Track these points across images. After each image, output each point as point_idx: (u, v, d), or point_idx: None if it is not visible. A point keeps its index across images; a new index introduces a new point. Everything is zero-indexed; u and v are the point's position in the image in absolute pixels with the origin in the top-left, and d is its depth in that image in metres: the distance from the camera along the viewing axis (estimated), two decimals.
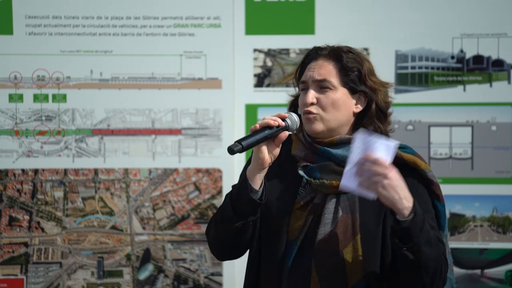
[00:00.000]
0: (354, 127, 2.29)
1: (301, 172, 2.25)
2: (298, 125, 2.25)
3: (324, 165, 2.23)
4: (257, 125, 2.15)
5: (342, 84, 2.25)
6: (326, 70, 2.25)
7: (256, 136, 2.14)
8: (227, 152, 2.12)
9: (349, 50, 2.29)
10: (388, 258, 2.16)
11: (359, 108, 2.28)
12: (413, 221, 2.02)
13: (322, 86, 2.24)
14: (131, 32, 3.68)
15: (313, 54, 2.30)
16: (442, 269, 2.13)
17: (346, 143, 2.25)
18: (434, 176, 2.27)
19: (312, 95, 2.23)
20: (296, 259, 2.20)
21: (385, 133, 2.31)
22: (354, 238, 2.16)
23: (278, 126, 2.16)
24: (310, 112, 2.23)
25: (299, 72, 2.34)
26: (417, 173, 2.25)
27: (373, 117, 2.28)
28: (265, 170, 2.19)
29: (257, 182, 2.18)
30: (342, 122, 2.26)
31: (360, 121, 2.28)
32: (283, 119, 2.18)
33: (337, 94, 2.24)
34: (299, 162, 2.27)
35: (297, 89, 2.37)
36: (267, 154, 2.16)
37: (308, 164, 2.25)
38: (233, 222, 2.20)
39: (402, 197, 2.02)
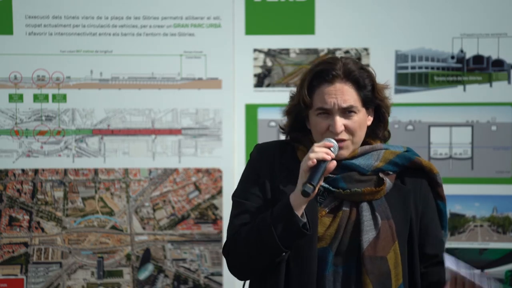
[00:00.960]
0: (366, 137, 2.33)
1: (324, 184, 2.25)
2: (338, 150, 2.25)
3: (349, 176, 2.26)
4: (314, 160, 2.14)
5: (363, 105, 2.28)
6: (349, 95, 2.25)
7: (319, 172, 2.14)
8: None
9: (360, 67, 2.28)
10: (415, 261, 2.28)
11: (371, 120, 2.33)
12: None
13: (348, 111, 2.25)
14: (131, 32, 3.68)
15: (324, 76, 2.26)
16: None
17: (366, 153, 2.31)
18: (441, 179, 2.37)
19: (340, 124, 2.24)
20: (336, 266, 2.21)
21: (389, 135, 2.39)
22: (394, 243, 2.22)
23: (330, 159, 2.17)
24: (341, 140, 2.25)
25: (308, 91, 2.29)
26: (428, 176, 2.34)
27: (387, 126, 2.35)
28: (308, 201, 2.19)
29: (301, 212, 2.18)
30: (362, 139, 2.31)
31: (372, 131, 2.33)
32: (330, 148, 2.20)
33: (360, 115, 2.27)
34: None
35: (298, 100, 2.35)
36: (319, 185, 2.18)
37: (329, 175, 2.25)
38: (279, 253, 2.19)
39: None
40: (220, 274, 3.70)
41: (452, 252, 3.91)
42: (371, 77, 2.29)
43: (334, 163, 2.18)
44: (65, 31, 3.66)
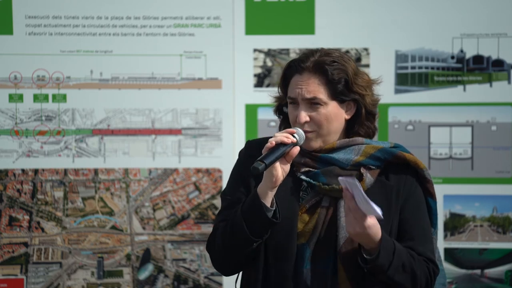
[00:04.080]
0: (346, 132, 2.31)
1: (304, 178, 2.26)
2: (304, 139, 2.25)
3: (329, 170, 2.25)
4: (273, 142, 2.15)
5: (331, 97, 2.25)
6: (314, 86, 2.24)
7: (275, 154, 2.15)
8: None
9: (333, 60, 2.26)
10: None
11: (350, 115, 2.30)
12: (379, 259, 2.12)
13: (313, 103, 2.24)
14: (131, 32, 3.68)
15: (295, 67, 2.28)
16: (426, 280, 2.22)
17: (345, 146, 2.28)
18: (429, 175, 2.32)
19: (304, 115, 2.24)
20: (313, 262, 2.21)
21: (374, 131, 2.34)
22: None
23: (291, 143, 2.17)
24: (306, 131, 2.24)
25: (283, 83, 2.32)
26: (415, 171, 2.30)
27: (364, 121, 2.30)
28: (276, 187, 2.19)
29: (269, 200, 2.19)
30: (336, 132, 2.28)
31: (351, 125, 2.30)
32: (292, 135, 2.20)
33: (328, 108, 2.24)
34: (297, 167, 2.28)
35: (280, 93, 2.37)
36: (281, 171, 2.17)
37: (310, 169, 2.26)
38: (249, 243, 2.20)
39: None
40: (220, 274, 3.70)
41: (452, 252, 3.92)
42: (344, 70, 2.24)
43: (297, 148, 2.18)
44: (65, 31, 3.66)
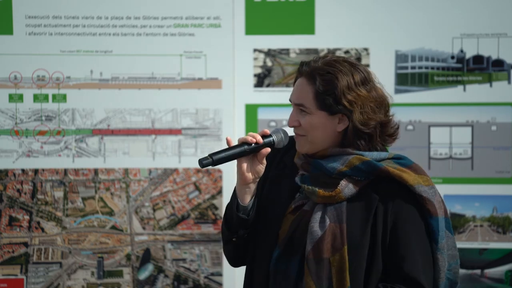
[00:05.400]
0: (342, 144, 2.25)
1: (296, 179, 2.27)
2: (287, 141, 2.25)
3: (316, 175, 2.24)
4: (229, 138, 2.19)
5: (319, 108, 2.22)
6: (304, 93, 2.22)
7: (230, 151, 2.15)
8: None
9: (327, 71, 2.21)
10: (377, 266, 2.17)
11: (342, 127, 2.23)
12: None
13: (301, 109, 2.24)
14: (131, 32, 3.68)
15: (300, 68, 2.27)
16: None
17: (337, 155, 2.24)
18: (424, 190, 2.19)
19: (293, 118, 2.25)
20: (278, 263, 2.22)
21: (375, 147, 2.26)
22: (342, 248, 2.16)
23: (256, 143, 2.17)
24: (297, 134, 2.25)
25: (295, 80, 2.33)
26: (406, 189, 2.20)
27: (352, 137, 2.23)
28: (252, 186, 2.21)
29: (245, 197, 2.22)
30: (326, 142, 2.24)
31: (346, 138, 2.24)
32: (268, 136, 2.20)
33: (314, 118, 2.22)
34: (299, 169, 2.29)
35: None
36: (248, 170, 2.19)
37: (304, 173, 2.27)
38: (228, 237, 2.28)
39: None
40: (220, 274, 3.71)
41: None
42: (335, 83, 2.19)
43: (268, 149, 2.19)
44: (65, 31, 3.66)
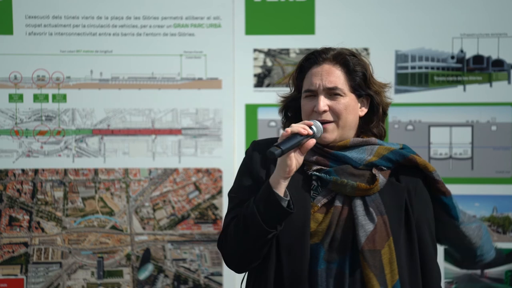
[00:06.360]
0: (359, 130, 2.31)
1: (317, 174, 2.25)
2: (322, 132, 2.24)
3: (342, 168, 2.25)
4: (288, 131, 2.15)
5: (351, 89, 2.27)
6: (335, 76, 2.25)
7: (292, 142, 2.15)
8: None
9: (352, 53, 2.30)
10: (414, 260, 2.24)
11: (364, 111, 2.31)
12: None
13: (333, 93, 2.24)
14: (131, 32, 3.68)
15: (314, 58, 2.28)
16: None
17: (359, 145, 2.27)
18: (438, 175, 2.32)
19: (324, 103, 2.24)
20: (328, 263, 2.20)
21: (385, 132, 2.35)
22: (389, 239, 2.20)
23: (307, 135, 2.17)
24: (325, 121, 2.24)
25: (298, 76, 2.33)
26: (425, 175, 2.31)
27: (380, 120, 2.32)
28: (289, 179, 2.19)
29: (282, 190, 2.18)
30: (352, 127, 2.29)
31: (365, 124, 2.31)
32: (310, 127, 2.19)
33: (348, 99, 2.26)
34: (308, 166, 2.27)
35: (292, 89, 2.37)
36: (295, 161, 2.17)
37: (322, 167, 2.25)
38: (264, 234, 2.18)
39: None
40: (220, 274, 3.71)
41: (452, 252, 3.91)
42: (363, 65, 2.29)
43: (313, 141, 2.18)
44: (65, 31, 3.67)
